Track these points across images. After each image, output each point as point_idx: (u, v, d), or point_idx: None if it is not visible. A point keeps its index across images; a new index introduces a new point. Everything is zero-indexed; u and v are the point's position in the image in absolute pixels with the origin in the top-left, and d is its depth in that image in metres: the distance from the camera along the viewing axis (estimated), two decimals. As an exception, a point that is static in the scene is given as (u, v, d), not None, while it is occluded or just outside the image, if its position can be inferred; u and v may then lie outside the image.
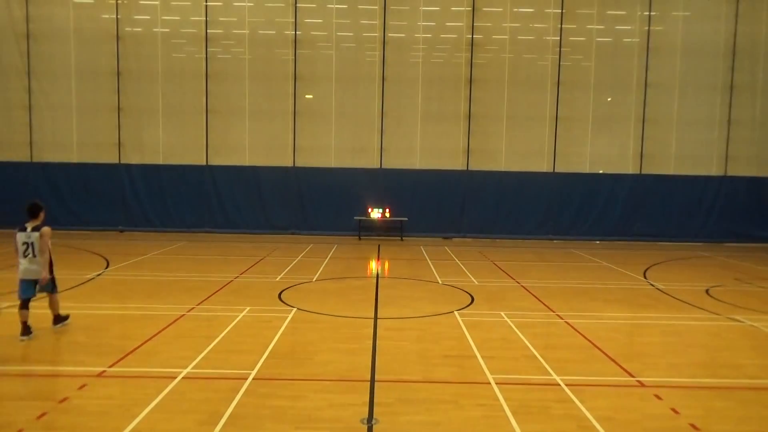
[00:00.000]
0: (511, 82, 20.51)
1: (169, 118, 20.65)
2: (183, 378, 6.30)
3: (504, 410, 5.60)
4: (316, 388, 6.08)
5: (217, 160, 20.69)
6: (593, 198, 20.70)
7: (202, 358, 6.98)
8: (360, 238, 20.02)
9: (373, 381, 6.33)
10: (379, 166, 20.62)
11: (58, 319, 8.21)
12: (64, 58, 20.40)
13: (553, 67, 20.44)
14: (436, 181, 20.43)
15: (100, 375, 6.37)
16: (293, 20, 20.26)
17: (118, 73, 20.38)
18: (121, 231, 20.27)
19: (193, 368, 6.61)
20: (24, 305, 7.68)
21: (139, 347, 7.38)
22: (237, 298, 10.35)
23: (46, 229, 7.82)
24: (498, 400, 5.86)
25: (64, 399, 5.69)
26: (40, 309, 8.27)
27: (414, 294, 11.15)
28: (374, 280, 12.56)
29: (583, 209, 20.75)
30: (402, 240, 19.96)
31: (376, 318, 9.09)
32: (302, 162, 20.67)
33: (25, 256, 7.73)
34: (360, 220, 20.17)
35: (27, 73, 20.40)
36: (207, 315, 9.14)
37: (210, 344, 7.52)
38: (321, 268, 13.78)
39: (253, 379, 6.29)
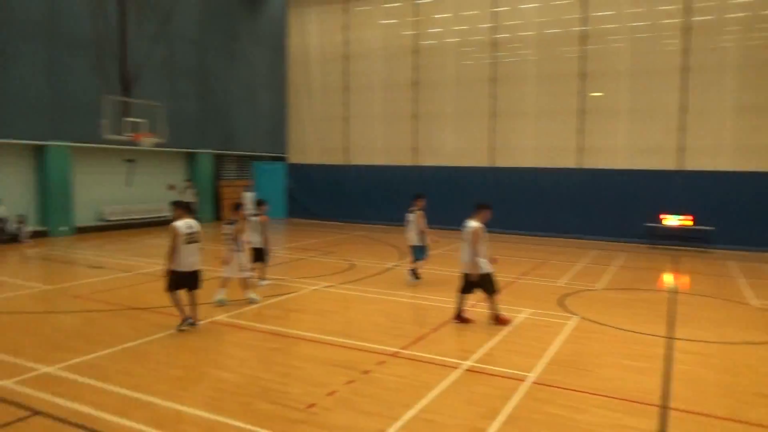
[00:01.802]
0: None
1: (458, 122, 21.94)
2: (466, 370, 6.68)
3: None
4: (597, 403, 5.80)
5: (500, 162, 21.20)
6: None
7: (484, 353, 7.29)
8: (651, 247, 18.19)
9: (664, 407, 5.75)
10: (676, 168, 18.39)
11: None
12: (371, 74, 23.46)
13: None
14: (753, 186, 17.27)
15: (395, 355, 7.19)
16: (582, 16, 19.47)
17: (416, 84, 22.50)
18: (415, 227, 22.30)
19: (474, 362, 6.95)
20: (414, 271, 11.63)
21: (428, 334, 8.09)
22: (517, 299, 10.47)
23: (419, 213, 11.69)
24: (836, 459, 4.74)
25: (367, 371, 6.59)
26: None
27: (719, 316, 9.67)
28: (668, 295, 11.30)
29: None
30: (705, 252, 17.36)
31: (670, 337, 8.19)
32: (587, 163, 19.75)
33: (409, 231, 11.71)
34: (651, 226, 18.32)
35: (345, 89, 24.06)
36: (489, 312, 9.47)
37: (491, 341, 7.80)
38: (606, 276, 13.00)
39: (532, 382, 6.32)
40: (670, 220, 18.01)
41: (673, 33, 18.22)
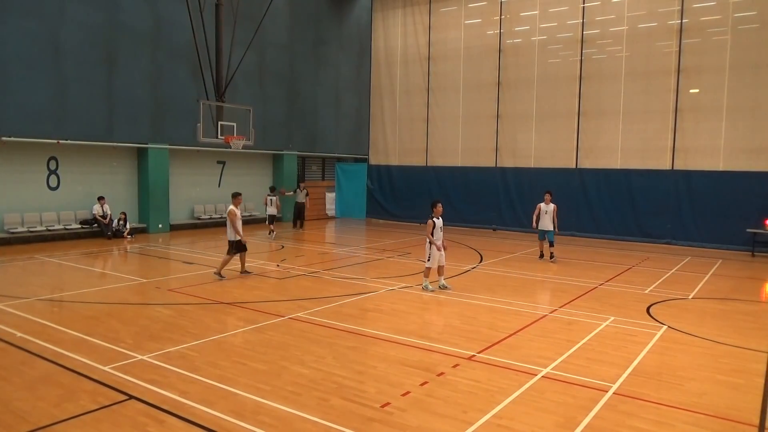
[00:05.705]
0: None
1: (541, 122, 21.34)
2: (543, 377, 6.50)
3: None
4: (686, 419, 5.46)
5: (586, 163, 20.41)
6: None
7: (562, 361, 7.06)
8: (754, 255, 16.84)
9: (763, 429, 5.31)
10: (786, 169, 16.93)
11: None
12: (454, 75, 23.31)
13: None
14: None
15: (470, 359, 7.11)
16: (679, 8, 18.35)
17: (498, 84, 22.11)
18: (494, 230, 21.95)
19: (552, 369, 6.75)
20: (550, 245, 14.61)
21: (504, 339, 7.94)
22: (600, 305, 10.06)
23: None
24: None
25: (441, 373, 6.56)
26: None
27: (832, 331, 8.82)
28: (772, 307, 10.44)
29: None
30: (817, 261, 15.89)
31: (771, 353, 7.56)
32: (682, 164, 18.59)
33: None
34: (755, 233, 16.95)
35: (427, 90, 24.08)
36: (568, 319, 9.17)
37: (570, 349, 7.54)
38: (700, 285, 12.20)
39: (614, 393, 6.04)
40: (777, 226, 16.60)
41: (784, 23, 16.82)
